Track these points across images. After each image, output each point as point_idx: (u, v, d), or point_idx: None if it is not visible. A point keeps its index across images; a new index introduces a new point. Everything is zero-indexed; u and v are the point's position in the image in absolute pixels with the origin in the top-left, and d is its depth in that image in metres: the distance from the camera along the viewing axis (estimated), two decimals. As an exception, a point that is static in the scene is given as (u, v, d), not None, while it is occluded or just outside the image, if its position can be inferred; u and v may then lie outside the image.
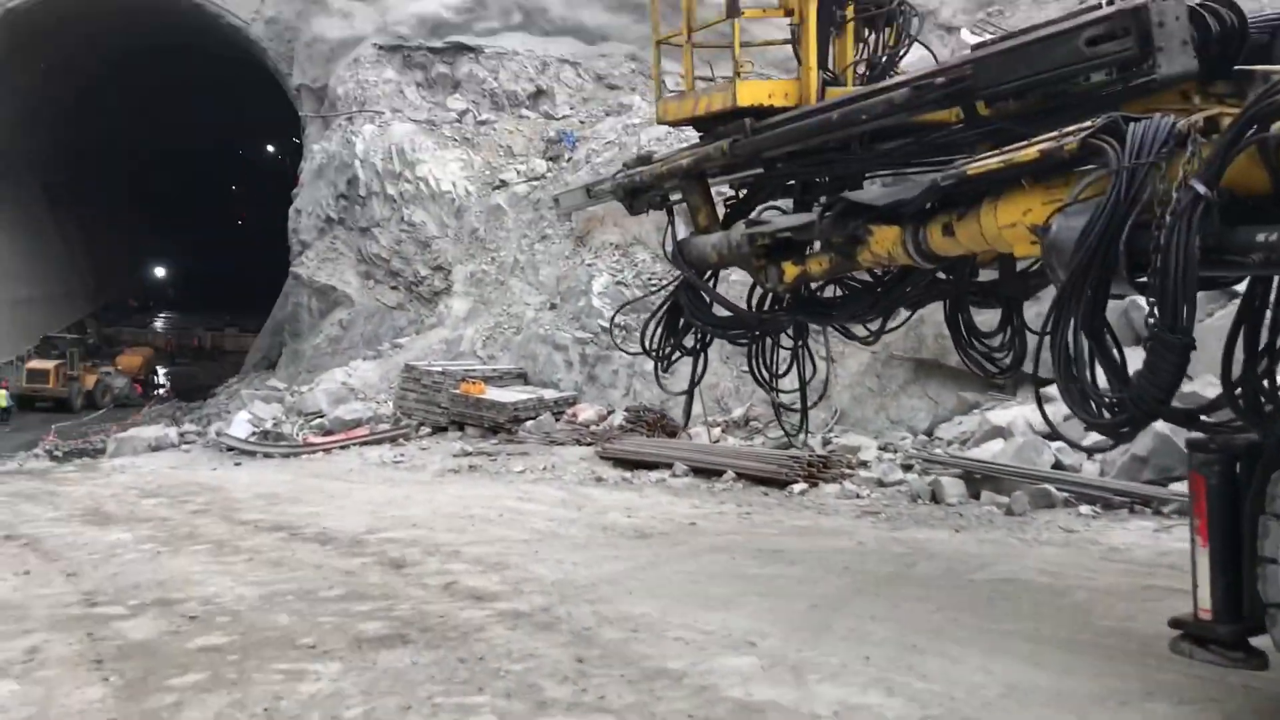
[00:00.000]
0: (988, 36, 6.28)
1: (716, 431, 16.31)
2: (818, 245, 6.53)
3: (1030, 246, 5.32)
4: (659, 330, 9.10)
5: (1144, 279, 4.44)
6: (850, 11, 7.68)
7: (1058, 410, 12.13)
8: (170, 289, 68.99)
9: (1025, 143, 5.08)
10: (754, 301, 8.43)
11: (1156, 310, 4.31)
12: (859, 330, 8.02)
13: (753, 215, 7.65)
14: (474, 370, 20.67)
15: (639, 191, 8.67)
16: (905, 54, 7.95)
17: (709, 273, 8.64)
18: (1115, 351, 4.72)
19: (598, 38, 35.77)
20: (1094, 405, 4.70)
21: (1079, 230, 4.59)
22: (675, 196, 8.55)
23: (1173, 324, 4.26)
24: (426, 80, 34.27)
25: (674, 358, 9.22)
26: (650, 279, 18.80)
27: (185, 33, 40.19)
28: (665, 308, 9.03)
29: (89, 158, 50.97)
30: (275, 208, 37.64)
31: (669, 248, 8.38)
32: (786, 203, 8.66)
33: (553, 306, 20.96)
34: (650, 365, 17.48)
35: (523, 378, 20.52)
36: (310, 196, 31.31)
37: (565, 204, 10.96)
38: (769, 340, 8.77)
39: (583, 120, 33.01)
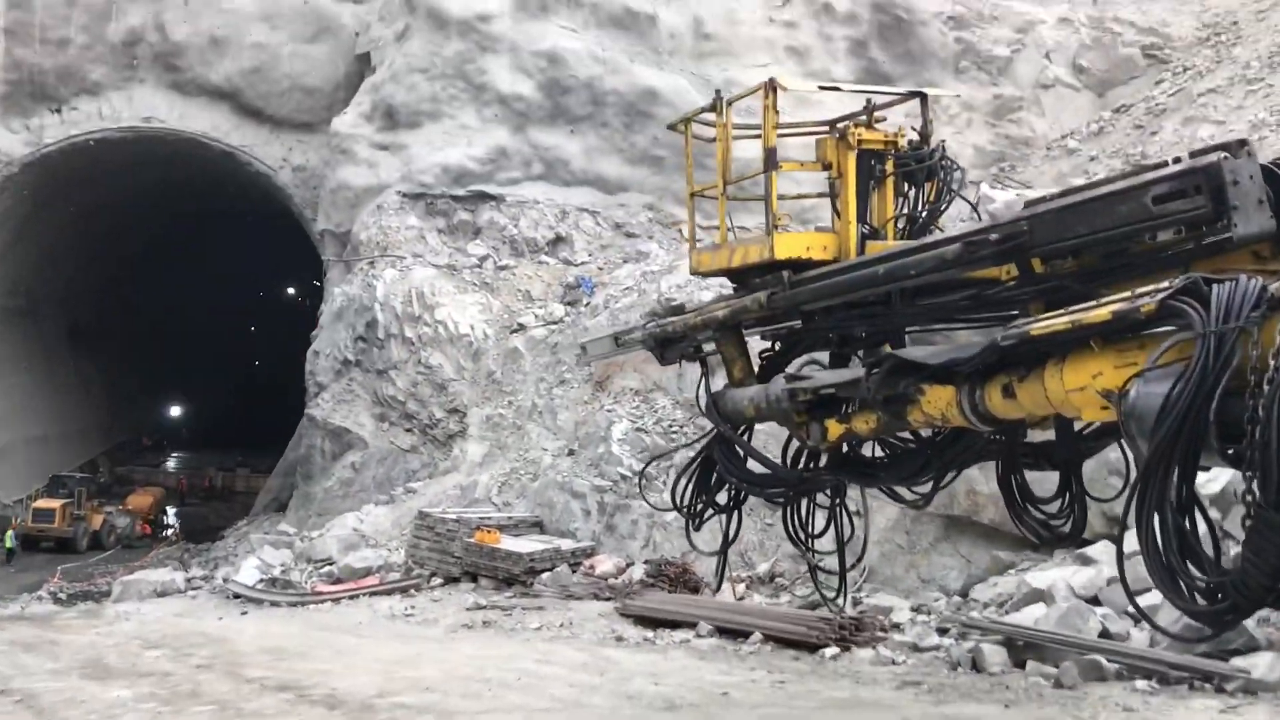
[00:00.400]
0: (1038, 193, 6.10)
1: (741, 588, 15.75)
2: (862, 403, 6.24)
3: (1100, 411, 4.99)
4: (690, 486, 8.71)
5: (1234, 450, 4.11)
6: (890, 166, 7.54)
7: (1100, 574, 11.69)
8: (184, 428, 68.93)
9: (1095, 303, 4.80)
10: (789, 458, 8.10)
11: (1257, 487, 3.95)
12: (905, 492, 7.64)
13: (791, 369, 7.37)
14: (489, 518, 20.20)
15: (671, 342, 8.42)
16: (946, 209, 7.79)
17: (743, 428, 8.31)
18: (1209, 530, 4.34)
19: (616, 188, 36.42)
20: (1190, 591, 4.28)
21: (1162, 397, 4.26)
22: (709, 348, 8.28)
23: (1277, 501, 3.90)
24: (448, 226, 34.76)
25: (706, 515, 8.80)
26: (671, 426, 18.50)
27: (213, 177, 41.02)
28: (698, 462, 8.67)
29: (111, 296, 51.54)
30: (293, 349, 37.77)
31: (703, 400, 8.06)
32: (823, 356, 8.43)
33: (571, 453, 20.62)
34: (671, 515, 17.10)
35: (538, 526, 20.03)
36: (329, 339, 31.40)
37: (593, 352, 10.72)
38: (805, 499, 8.40)
39: (601, 267, 33.31)
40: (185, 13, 37.62)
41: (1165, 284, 4.50)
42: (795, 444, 7.98)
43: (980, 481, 13.36)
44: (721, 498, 8.73)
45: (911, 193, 7.67)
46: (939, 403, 5.50)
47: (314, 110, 38.21)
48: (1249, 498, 4.03)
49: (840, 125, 7.55)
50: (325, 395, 30.41)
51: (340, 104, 37.32)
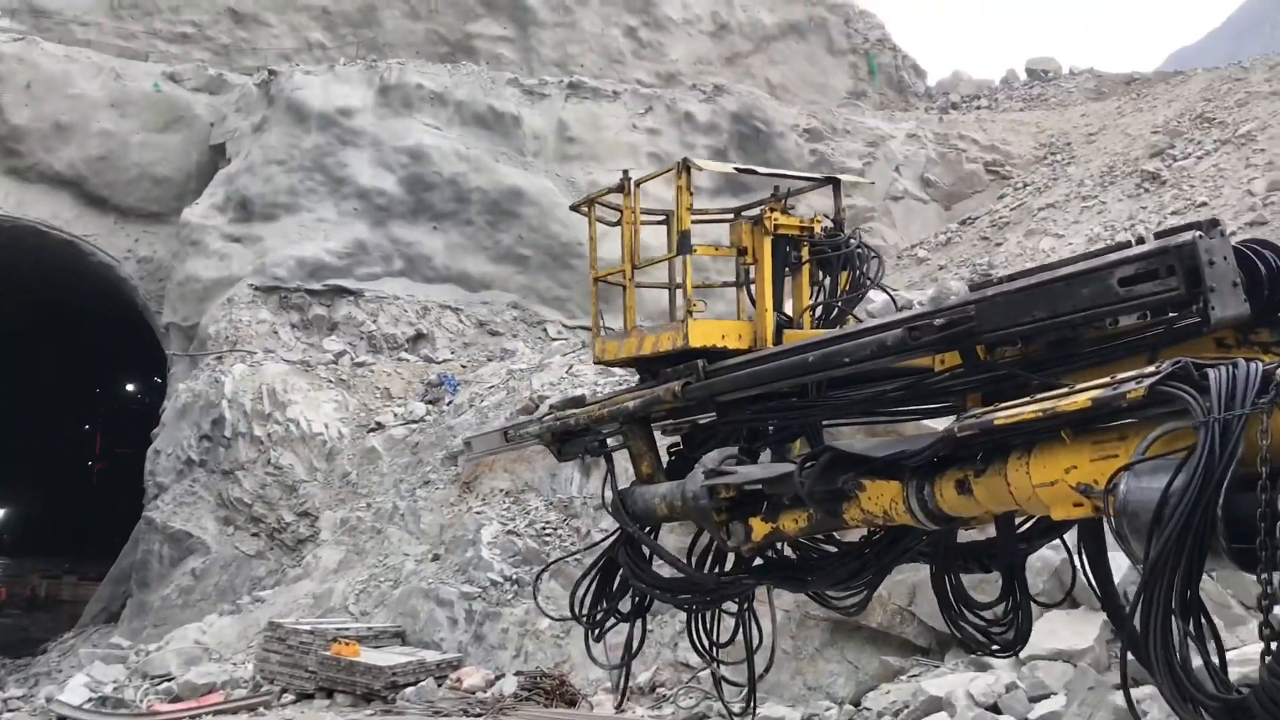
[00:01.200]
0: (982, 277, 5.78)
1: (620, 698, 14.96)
2: (793, 500, 5.76)
3: (1073, 509, 4.60)
4: (589, 593, 8.03)
5: (1244, 548, 3.77)
6: (806, 253, 7.22)
7: (998, 680, 11.42)
8: (4, 534, 64.22)
9: (1067, 389, 4.46)
10: (696, 560, 7.53)
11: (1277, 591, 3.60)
12: (833, 598, 7.11)
13: (711, 465, 6.81)
14: (346, 628, 18.95)
15: (571, 436, 7.80)
16: (861, 299, 7.50)
17: (649, 529, 7.73)
18: (1214, 637, 3.97)
19: (480, 286, 36.01)
20: (1204, 709, 3.87)
21: (1157, 493, 3.90)
22: (614, 442, 7.70)
23: (1301, 607, 3.55)
24: (303, 321, 33.64)
25: (608, 624, 8.11)
26: (544, 528, 17.77)
27: (52, 267, 38.90)
28: (598, 566, 8.00)
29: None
30: (132, 449, 35.66)
31: (608, 498, 7.43)
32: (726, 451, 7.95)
33: (436, 558, 19.61)
34: (545, 624, 16.27)
35: (400, 637, 18.86)
36: (171, 437, 29.70)
37: (478, 448, 10.03)
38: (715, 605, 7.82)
39: (464, 365, 32.59)
40: (27, 96, 35.93)
41: (1150, 369, 4.19)
42: (700, 545, 7.46)
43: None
44: (625, 604, 8.09)
45: (826, 281, 7.37)
46: (882, 500, 5.03)
47: (163, 200, 36.79)
48: (1264, 601, 3.68)
49: (754, 210, 7.21)
50: (165, 497, 28.61)
51: (192, 194, 36.06)
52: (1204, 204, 28.79)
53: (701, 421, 7.14)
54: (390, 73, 36.65)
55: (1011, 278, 5.19)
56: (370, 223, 34.86)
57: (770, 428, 6.81)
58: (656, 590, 7.55)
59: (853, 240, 7.23)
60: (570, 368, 20.70)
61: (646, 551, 7.59)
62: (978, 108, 45.04)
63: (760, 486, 5.96)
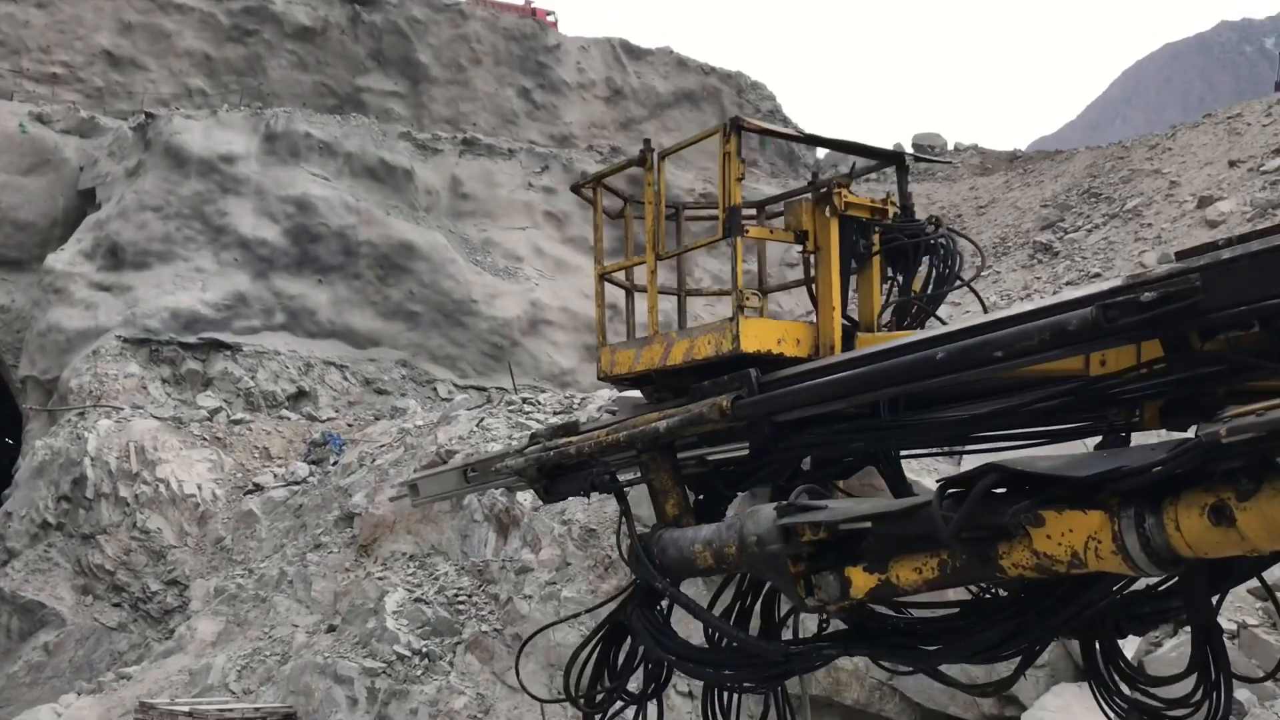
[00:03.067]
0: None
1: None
2: (922, 542, 4.33)
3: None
4: (590, 666, 6.54)
5: None
6: (877, 242, 5.93)
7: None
8: None
9: None
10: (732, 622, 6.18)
11: None
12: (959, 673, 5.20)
13: (789, 500, 5.20)
14: (230, 709, 17.11)
15: (564, 471, 6.53)
16: (944, 298, 6.37)
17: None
18: None
19: (367, 342, 34.52)
20: None
21: None
22: (626, 476, 6.46)
23: None
24: (175, 376, 31.60)
25: (615, 708, 6.61)
26: (457, 595, 16.32)
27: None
28: (600, 635, 6.56)
29: None
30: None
31: (624, 545, 6.13)
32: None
33: (331, 629, 17.92)
34: (461, 703, 14.79)
35: (291, 718, 17.07)
36: (25, 498, 27.23)
37: (427, 491, 8.68)
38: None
39: (350, 423, 30.88)
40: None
41: None
42: (721, 601, 6.28)
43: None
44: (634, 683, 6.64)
45: (901, 277, 6.22)
46: (1073, 537, 3.64)
47: (25, 247, 34.42)
48: None
49: (820, 185, 6.03)
50: (16, 564, 26.09)
51: (57, 240, 33.84)
52: (1097, 274, 29.32)
53: (731, 454, 6.02)
54: (277, 120, 35.14)
55: (1243, 239, 3.91)
56: (251, 274, 33.11)
57: (841, 457, 5.66)
58: (691, 664, 6.10)
59: (939, 227, 6.16)
60: (480, 421, 19.43)
61: (661, 610, 6.21)
62: (868, 179, 45.59)
63: (867, 525, 4.42)
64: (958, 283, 6.08)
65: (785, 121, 49.34)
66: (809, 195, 5.75)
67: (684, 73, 46.81)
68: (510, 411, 19.90)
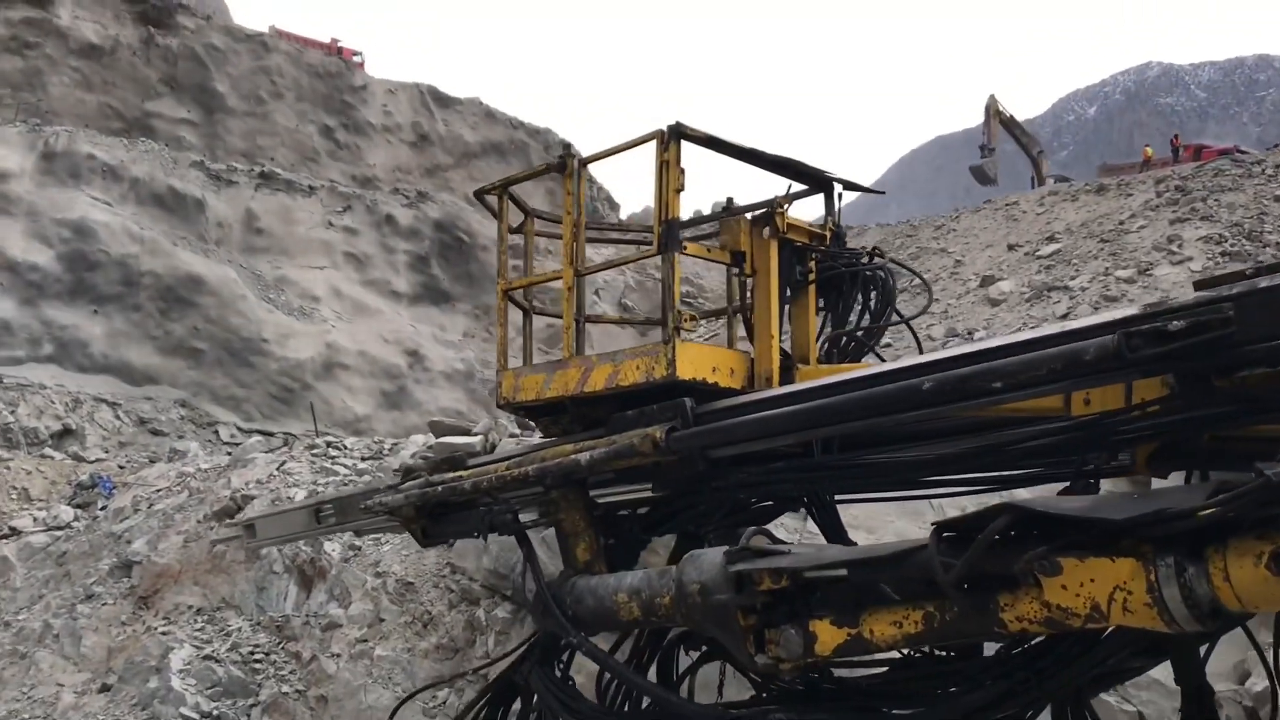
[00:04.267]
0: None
1: None
2: (910, 593, 3.87)
3: None
4: None
5: None
6: (813, 268, 5.66)
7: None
8: None
9: None
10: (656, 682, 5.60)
11: None
12: None
13: (739, 544, 4.65)
14: (-22, 777, 15.15)
15: (450, 509, 5.95)
16: (883, 333, 6.12)
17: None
18: None
19: (144, 379, 32.27)
20: None
21: None
22: (528, 516, 5.93)
23: None
24: (-82, 408, 28.54)
25: None
26: (253, 653, 15.02)
27: None
28: (485, 699, 5.92)
29: None
30: None
31: (529, 591, 5.56)
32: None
33: (105, 688, 16.17)
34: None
35: (51, 786, 15.27)
36: None
37: (268, 534, 7.86)
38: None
39: (121, 465, 28.60)
40: None
41: None
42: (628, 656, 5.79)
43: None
44: None
45: (839, 306, 5.91)
46: (1095, 587, 3.33)
47: None
48: None
49: (757, 209, 5.50)
50: None
51: None
52: (887, 344, 30.45)
53: (648, 495, 5.57)
54: (57, 139, 32.74)
55: (1271, 268, 3.57)
56: (18, 300, 30.49)
57: (772, 499, 5.32)
58: None
59: (874, 258, 5.92)
60: (282, 464, 18.20)
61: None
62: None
63: (842, 573, 3.91)
64: (895, 318, 5.92)
65: (591, 182, 49.69)
66: (748, 215, 5.51)
67: (492, 124, 46.49)
68: (314, 455, 18.74)
